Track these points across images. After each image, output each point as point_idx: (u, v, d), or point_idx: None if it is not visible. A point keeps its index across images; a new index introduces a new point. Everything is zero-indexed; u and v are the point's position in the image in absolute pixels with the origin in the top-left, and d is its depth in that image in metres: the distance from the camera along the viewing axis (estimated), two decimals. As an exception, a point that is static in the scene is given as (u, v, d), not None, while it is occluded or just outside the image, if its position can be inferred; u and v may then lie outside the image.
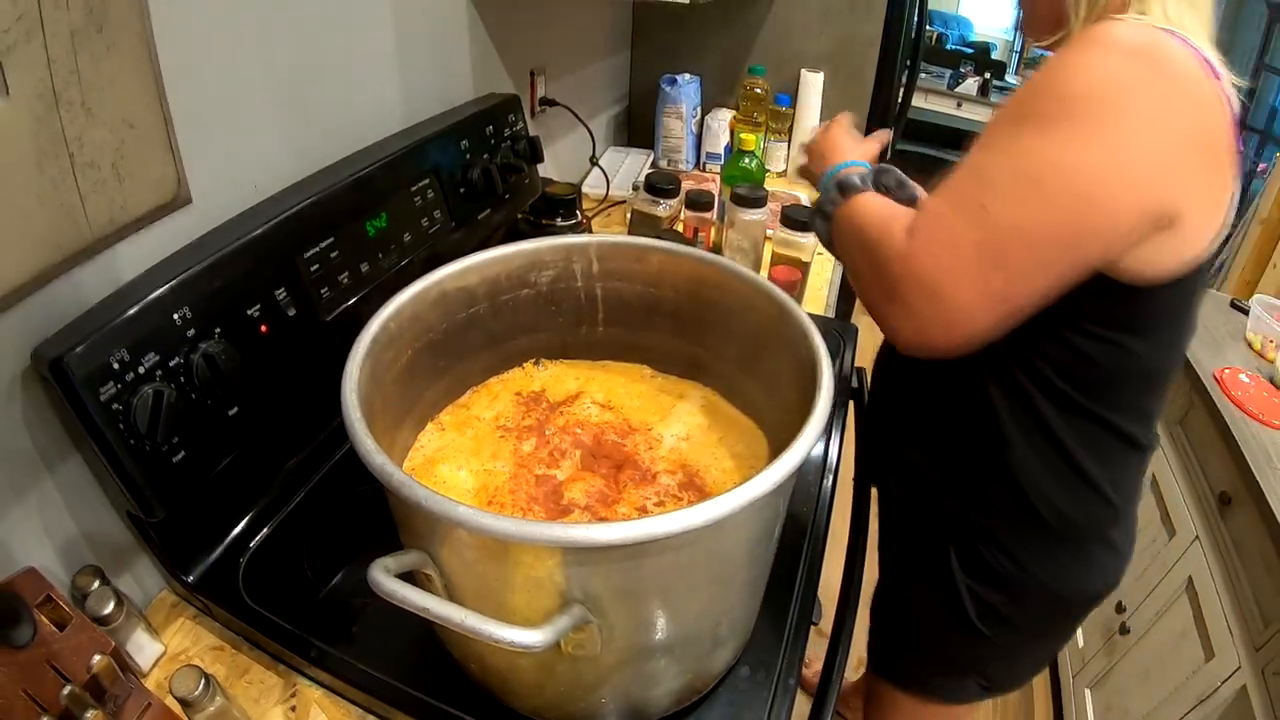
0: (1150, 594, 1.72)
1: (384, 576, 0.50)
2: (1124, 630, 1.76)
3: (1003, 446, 0.87)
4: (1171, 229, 0.68)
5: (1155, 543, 1.77)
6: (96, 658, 0.63)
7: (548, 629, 0.50)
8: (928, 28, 7.45)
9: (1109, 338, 0.78)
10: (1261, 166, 4.72)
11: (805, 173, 1.04)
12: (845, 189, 0.85)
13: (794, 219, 1.42)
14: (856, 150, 0.96)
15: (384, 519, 0.65)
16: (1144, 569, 1.76)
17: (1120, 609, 1.80)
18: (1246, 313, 2.00)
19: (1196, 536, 1.62)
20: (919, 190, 0.89)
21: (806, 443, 0.57)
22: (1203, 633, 1.53)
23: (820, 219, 0.89)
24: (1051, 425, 0.84)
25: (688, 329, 0.88)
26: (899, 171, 0.90)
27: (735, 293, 0.82)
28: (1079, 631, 1.93)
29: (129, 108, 0.34)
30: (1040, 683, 2.13)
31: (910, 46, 2.51)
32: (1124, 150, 0.65)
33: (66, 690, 0.59)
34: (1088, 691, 1.88)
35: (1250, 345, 1.91)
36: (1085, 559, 0.93)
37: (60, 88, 0.30)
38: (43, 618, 0.65)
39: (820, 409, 0.61)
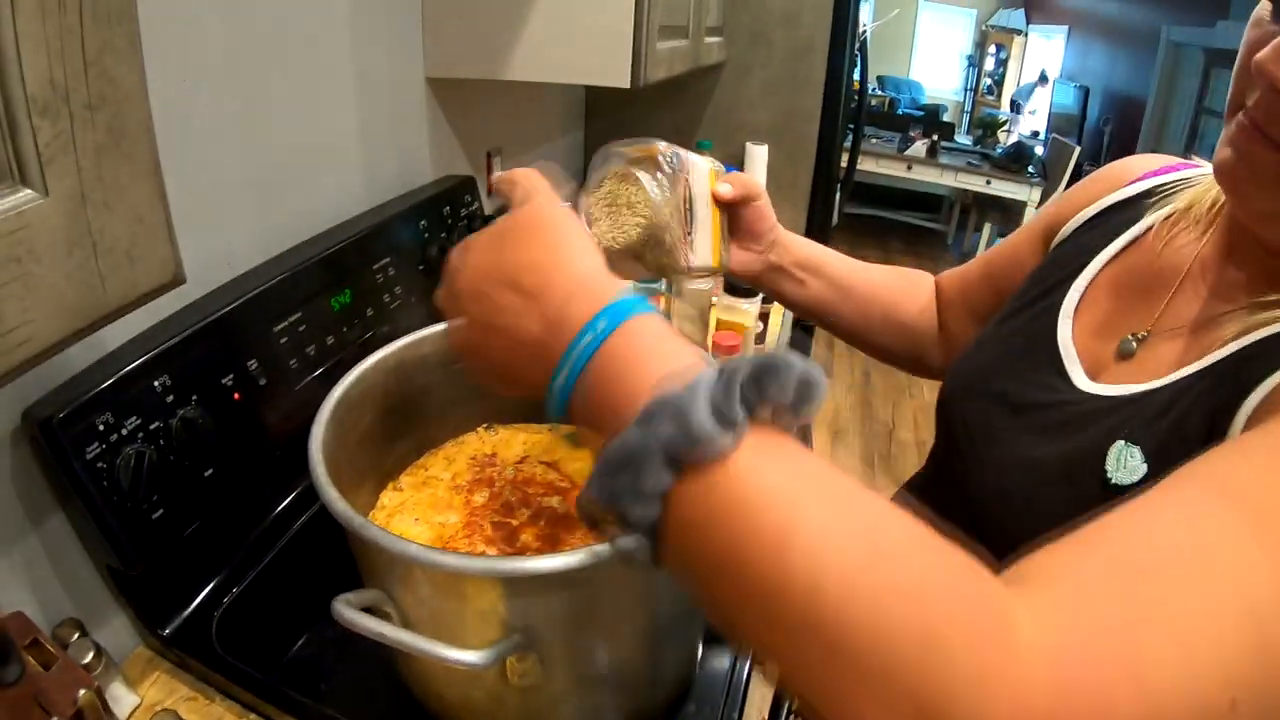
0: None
1: (344, 608, 0.57)
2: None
3: None
4: None
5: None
6: (82, 692, 0.68)
7: (487, 651, 0.57)
8: (880, 92, 7.80)
9: None
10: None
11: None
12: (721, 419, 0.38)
13: (736, 287, 1.53)
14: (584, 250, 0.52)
15: (352, 578, 0.71)
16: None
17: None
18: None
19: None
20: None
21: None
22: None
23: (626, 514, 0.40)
24: None
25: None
26: (798, 360, 0.40)
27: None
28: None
29: (139, 206, 0.43)
30: None
31: (851, 115, 2.66)
32: None
33: (52, 722, 0.65)
34: None
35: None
36: None
37: (87, 190, 0.38)
38: (29, 658, 0.70)
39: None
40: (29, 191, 0.36)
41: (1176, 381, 0.59)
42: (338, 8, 1.18)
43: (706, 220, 0.84)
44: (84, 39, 0.36)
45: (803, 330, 2.60)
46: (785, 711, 0.93)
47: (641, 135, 0.80)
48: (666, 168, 0.79)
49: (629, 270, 0.83)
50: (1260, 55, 0.51)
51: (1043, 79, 7.73)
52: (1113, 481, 0.57)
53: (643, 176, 0.78)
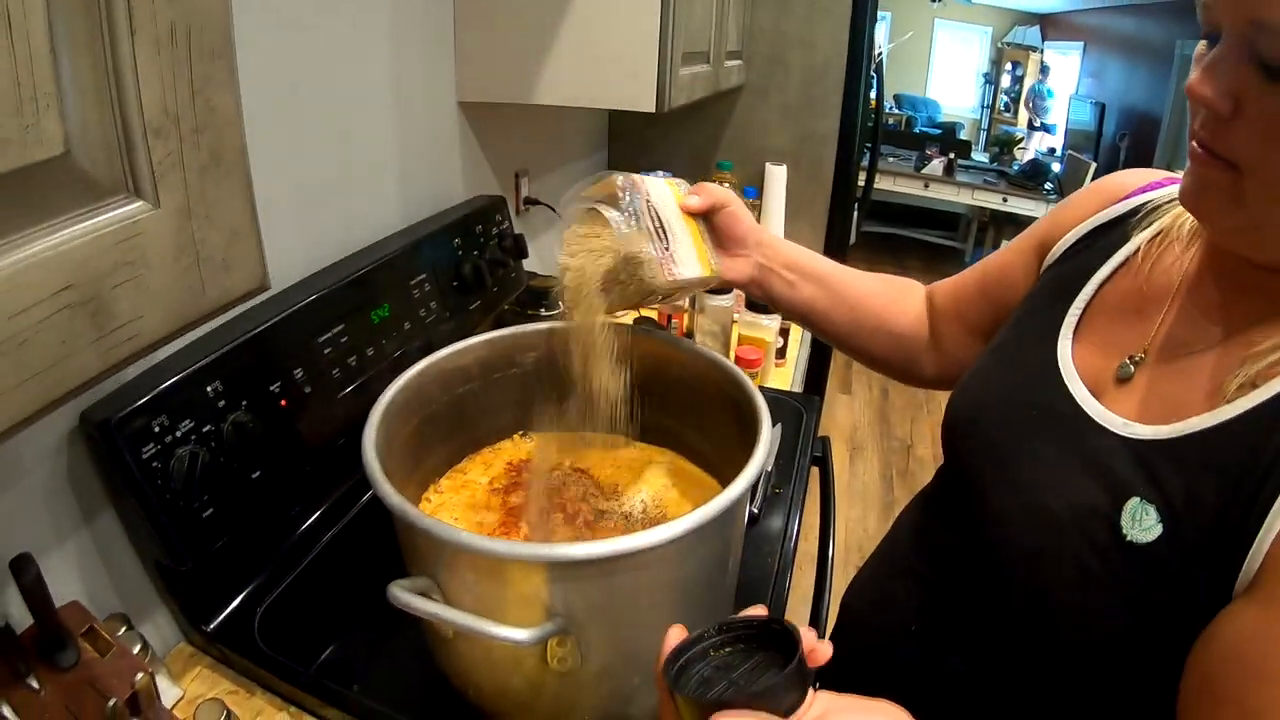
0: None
1: (400, 591, 0.61)
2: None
3: None
4: None
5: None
6: (139, 676, 0.73)
7: (533, 630, 0.61)
8: (898, 111, 7.86)
9: None
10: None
11: None
12: None
13: (756, 303, 1.57)
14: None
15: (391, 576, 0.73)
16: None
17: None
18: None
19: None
20: None
21: (748, 476, 0.70)
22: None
23: None
24: None
25: (654, 400, 0.99)
26: None
27: (690, 366, 0.95)
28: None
29: (235, 219, 0.48)
30: None
31: (868, 134, 2.70)
32: None
33: (111, 703, 0.69)
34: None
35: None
36: None
37: (192, 204, 0.43)
38: (85, 644, 0.75)
39: (760, 450, 0.74)
40: (142, 203, 0.40)
41: (1185, 436, 0.59)
42: (375, 38, 1.24)
43: (684, 233, 0.89)
44: (192, 70, 0.41)
45: (822, 344, 2.63)
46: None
47: (663, 157, 0.85)
48: (625, 196, 0.85)
49: (620, 300, 0.88)
50: (1189, 80, 0.55)
51: (1044, 70, 7.80)
52: (1129, 539, 0.58)
53: (605, 211, 0.84)
